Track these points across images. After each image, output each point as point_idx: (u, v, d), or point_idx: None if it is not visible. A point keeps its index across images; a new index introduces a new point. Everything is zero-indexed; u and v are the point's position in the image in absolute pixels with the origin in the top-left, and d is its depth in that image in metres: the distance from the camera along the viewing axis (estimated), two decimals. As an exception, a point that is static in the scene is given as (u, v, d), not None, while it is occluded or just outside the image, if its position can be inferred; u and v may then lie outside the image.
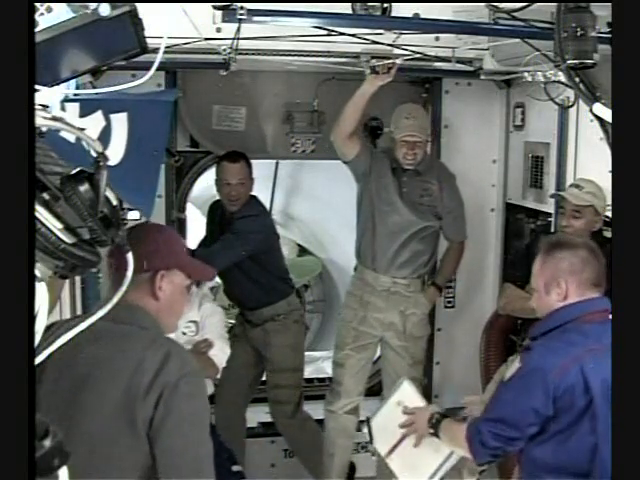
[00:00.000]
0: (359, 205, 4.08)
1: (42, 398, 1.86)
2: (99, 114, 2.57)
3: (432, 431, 2.66)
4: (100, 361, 1.87)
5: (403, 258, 3.97)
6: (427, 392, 4.46)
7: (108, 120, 2.60)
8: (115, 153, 2.66)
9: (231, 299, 4.43)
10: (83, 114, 2.52)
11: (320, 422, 4.33)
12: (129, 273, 1.15)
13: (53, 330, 1.92)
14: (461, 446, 2.46)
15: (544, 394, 2.18)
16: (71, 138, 2.08)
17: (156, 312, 1.97)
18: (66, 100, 2.06)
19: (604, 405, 2.12)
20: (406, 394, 2.96)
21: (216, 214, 4.18)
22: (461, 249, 4.20)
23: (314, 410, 4.38)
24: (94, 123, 2.54)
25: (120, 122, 2.62)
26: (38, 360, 1.04)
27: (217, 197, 4.26)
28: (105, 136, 2.65)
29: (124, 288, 1.14)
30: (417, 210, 3.96)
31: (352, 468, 4.38)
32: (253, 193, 4.11)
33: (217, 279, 4.23)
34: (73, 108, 2.43)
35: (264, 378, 4.35)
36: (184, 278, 2.03)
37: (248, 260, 3.96)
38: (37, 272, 0.96)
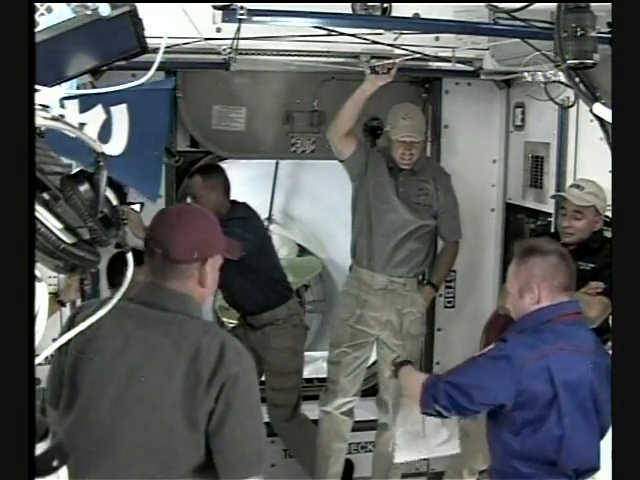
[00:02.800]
0: (354, 204, 4.07)
1: (92, 381, 1.89)
2: (99, 108, 2.57)
3: (393, 369, 2.85)
4: (153, 349, 1.88)
5: (400, 257, 3.97)
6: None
7: (108, 113, 2.61)
8: (118, 144, 2.67)
9: (230, 304, 4.41)
10: (83, 110, 2.52)
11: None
12: (129, 273, 1.15)
13: (82, 315, 1.95)
14: (413, 391, 2.60)
15: (506, 382, 2.35)
16: (71, 133, 2.10)
17: (199, 296, 2.00)
18: (65, 97, 2.06)
19: (569, 400, 2.31)
20: None
21: None
22: (456, 248, 4.20)
23: (314, 410, 4.38)
24: (95, 117, 2.54)
25: (120, 113, 2.62)
26: (52, 349, 1.05)
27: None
28: (107, 129, 2.65)
29: (124, 289, 1.14)
30: (414, 209, 3.96)
31: (350, 466, 4.38)
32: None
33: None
34: (72, 106, 2.43)
35: (262, 379, 4.35)
36: (220, 259, 2.06)
37: (243, 265, 3.93)
38: (37, 272, 0.96)
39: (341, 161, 3.98)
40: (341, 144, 3.90)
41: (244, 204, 4.09)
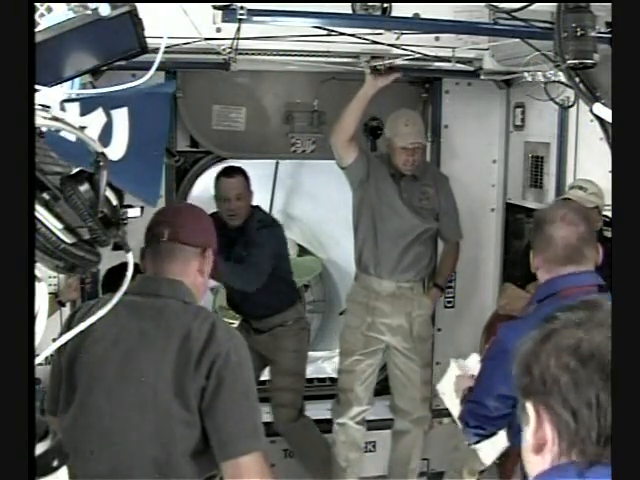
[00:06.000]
0: (358, 212, 4.07)
1: (88, 372, 1.92)
2: (100, 111, 2.56)
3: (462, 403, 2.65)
4: (146, 336, 1.92)
5: (407, 261, 4.00)
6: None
7: (109, 116, 2.60)
8: (118, 148, 2.66)
9: (237, 310, 4.37)
10: (83, 113, 2.52)
11: (319, 422, 4.34)
12: (129, 273, 1.15)
13: (82, 312, 2.00)
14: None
15: (506, 376, 2.18)
16: (72, 136, 2.09)
17: (195, 287, 2.05)
18: (66, 100, 2.06)
19: None
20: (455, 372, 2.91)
21: (216, 226, 4.10)
22: (457, 249, 4.25)
23: (314, 410, 4.39)
24: (95, 120, 2.54)
25: (121, 117, 2.62)
26: (56, 345, 1.05)
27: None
28: (107, 132, 2.64)
29: (124, 288, 1.13)
30: (418, 213, 4.00)
31: None
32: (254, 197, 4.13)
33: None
34: (73, 107, 2.43)
35: (265, 379, 4.36)
36: (212, 256, 2.15)
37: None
38: (37, 272, 0.96)
39: (342, 168, 3.98)
40: (344, 150, 3.89)
41: (260, 208, 4.19)
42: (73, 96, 2.03)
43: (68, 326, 2.01)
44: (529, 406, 1.09)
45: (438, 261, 4.33)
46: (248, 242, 3.91)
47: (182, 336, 1.87)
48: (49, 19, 1.06)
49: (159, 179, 3.09)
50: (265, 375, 4.44)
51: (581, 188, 3.43)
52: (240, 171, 4.03)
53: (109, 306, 1.11)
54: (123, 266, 1.15)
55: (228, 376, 1.84)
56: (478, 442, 2.53)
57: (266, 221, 4.07)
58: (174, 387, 1.83)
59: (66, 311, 3.68)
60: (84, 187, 1.04)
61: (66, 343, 1.86)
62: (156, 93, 2.80)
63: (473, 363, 2.85)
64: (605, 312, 1.06)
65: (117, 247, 1.16)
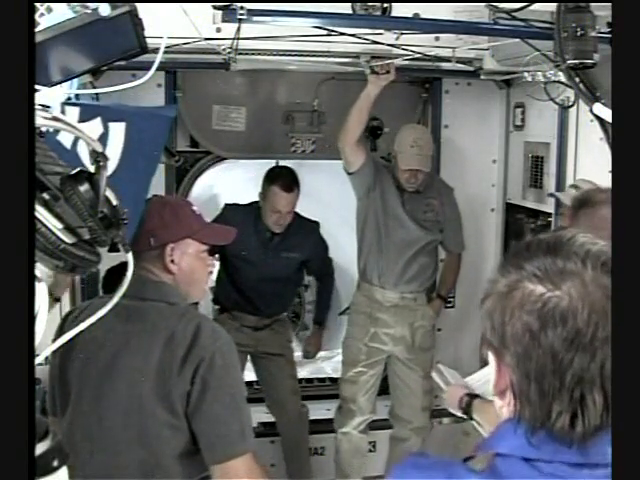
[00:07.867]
0: (362, 222, 4.06)
1: (79, 375, 1.92)
2: (98, 120, 2.55)
3: (464, 414, 2.56)
4: (131, 338, 1.89)
5: (411, 273, 4.01)
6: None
7: (106, 128, 2.58)
8: (109, 163, 2.63)
9: (238, 309, 4.25)
10: (82, 119, 2.51)
11: (319, 422, 4.35)
12: (129, 273, 1.15)
13: (74, 315, 1.98)
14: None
15: None
16: (67, 144, 2.08)
17: (177, 284, 1.99)
18: (67, 103, 2.05)
19: None
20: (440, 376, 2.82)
21: (251, 216, 4.07)
22: (460, 260, 4.29)
23: (313, 410, 4.39)
24: (93, 129, 2.53)
25: (118, 131, 2.59)
26: (52, 348, 1.05)
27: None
28: (101, 144, 2.61)
29: (124, 288, 1.13)
30: (422, 226, 4.01)
31: None
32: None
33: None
34: (72, 112, 2.42)
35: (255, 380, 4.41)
36: (199, 245, 2.03)
37: (286, 272, 4.15)
38: (37, 272, 0.96)
39: (349, 174, 3.96)
40: (352, 153, 3.87)
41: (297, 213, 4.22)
42: (73, 96, 2.03)
43: (61, 328, 2.01)
44: (490, 355, 1.08)
45: (440, 272, 4.34)
46: (302, 250, 4.12)
47: (166, 339, 1.84)
48: (49, 19, 1.06)
49: (138, 214, 2.98)
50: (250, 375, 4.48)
51: (576, 187, 3.41)
52: (296, 181, 4.00)
53: (108, 307, 1.11)
54: (123, 266, 1.15)
55: (213, 380, 1.81)
56: None
57: (312, 227, 4.22)
58: (158, 391, 1.82)
59: (65, 308, 3.68)
60: (84, 187, 1.04)
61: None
62: (157, 115, 2.77)
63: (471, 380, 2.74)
64: (573, 252, 1.01)
65: (113, 249, 1.16)
